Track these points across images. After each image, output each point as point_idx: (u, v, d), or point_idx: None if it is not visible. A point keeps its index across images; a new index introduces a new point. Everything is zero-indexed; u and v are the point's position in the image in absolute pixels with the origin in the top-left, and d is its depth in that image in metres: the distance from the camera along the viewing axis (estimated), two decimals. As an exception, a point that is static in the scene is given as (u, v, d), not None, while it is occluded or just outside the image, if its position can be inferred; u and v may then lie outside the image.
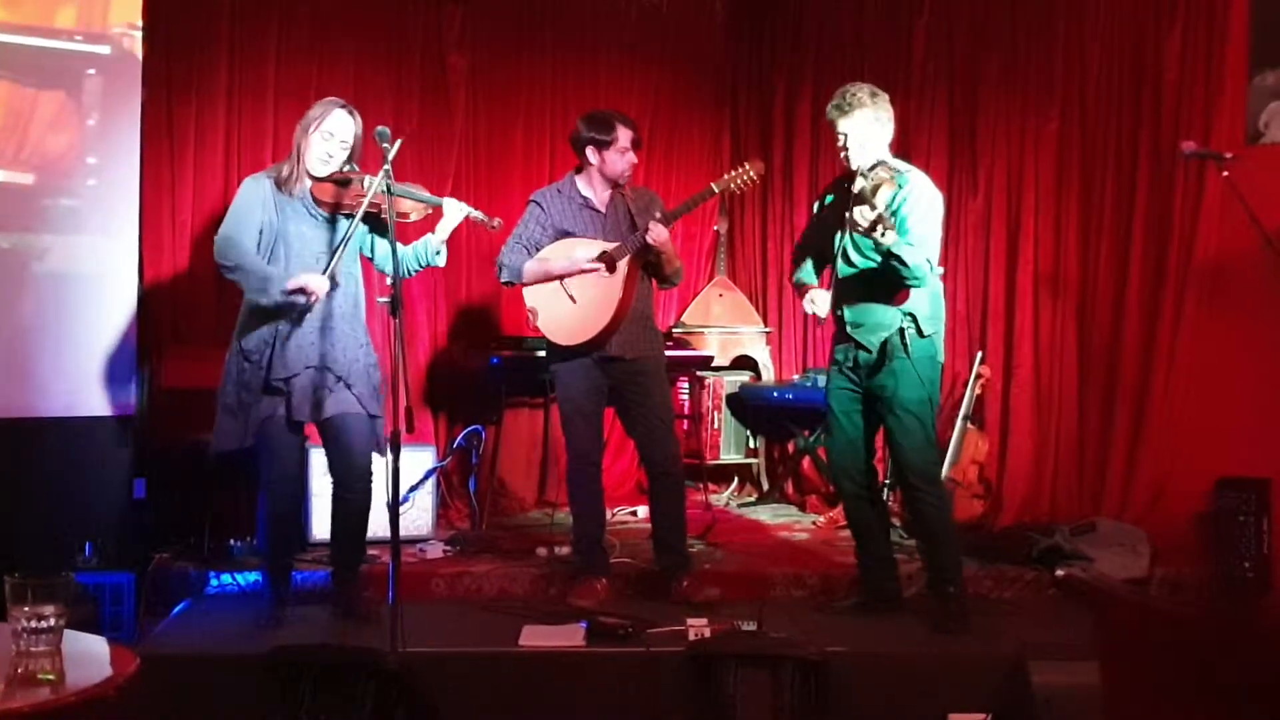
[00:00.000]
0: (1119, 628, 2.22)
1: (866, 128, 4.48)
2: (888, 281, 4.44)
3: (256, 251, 4.34)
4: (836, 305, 4.61)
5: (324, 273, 4.28)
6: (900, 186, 4.33)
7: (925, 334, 4.49)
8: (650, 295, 4.92)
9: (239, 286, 4.40)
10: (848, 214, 4.34)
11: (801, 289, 4.77)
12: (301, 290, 4.23)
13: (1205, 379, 5.62)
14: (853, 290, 4.54)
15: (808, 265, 4.81)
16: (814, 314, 4.63)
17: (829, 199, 4.73)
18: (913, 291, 4.43)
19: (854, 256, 4.51)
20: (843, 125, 4.49)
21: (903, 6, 6.66)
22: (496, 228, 4.54)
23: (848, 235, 4.47)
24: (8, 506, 4.77)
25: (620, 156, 4.77)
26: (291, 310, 4.29)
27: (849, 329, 4.56)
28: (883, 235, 4.17)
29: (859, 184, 4.38)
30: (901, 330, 4.46)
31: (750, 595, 4.93)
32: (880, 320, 4.49)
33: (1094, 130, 5.94)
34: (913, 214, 4.35)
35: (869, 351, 4.51)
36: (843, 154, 4.52)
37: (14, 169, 4.99)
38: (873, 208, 4.18)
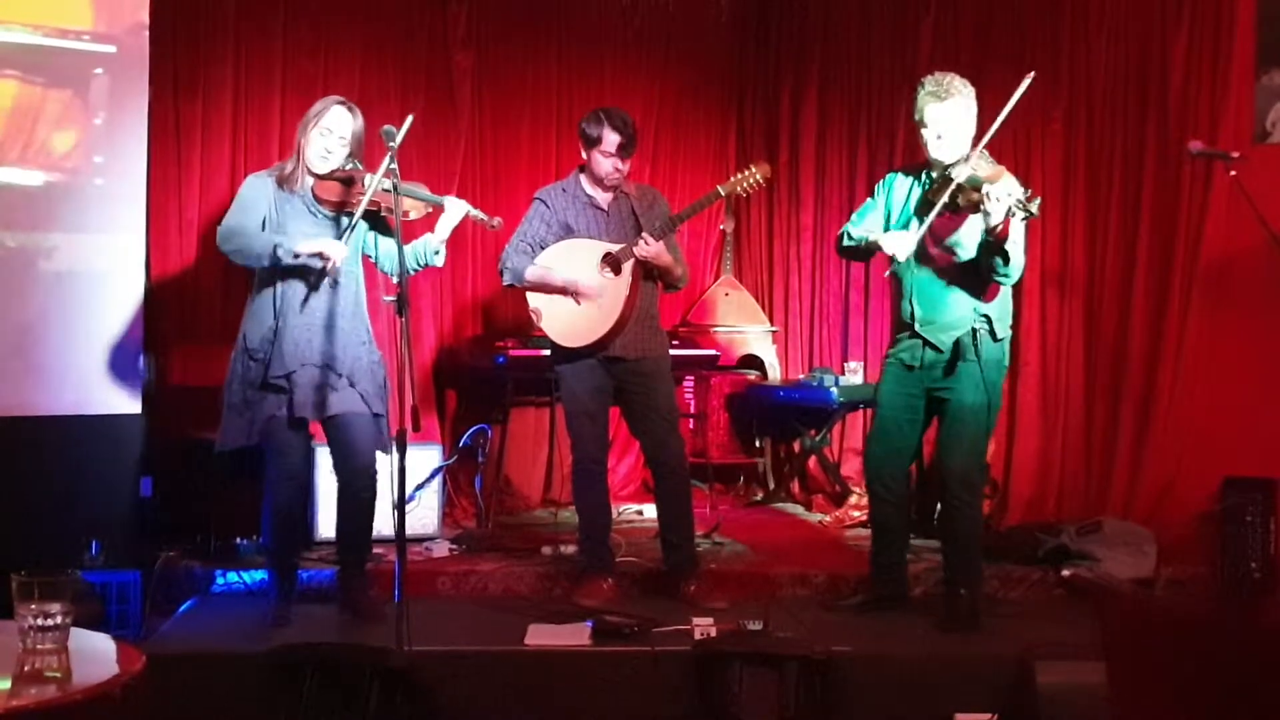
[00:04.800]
0: (1125, 628, 2.22)
1: (962, 116, 4.37)
2: (966, 276, 4.37)
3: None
4: (905, 301, 4.50)
5: (341, 239, 4.32)
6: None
7: (998, 337, 4.42)
8: (655, 295, 4.91)
9: (246, 265, 4.39)
10: (959, 203, 4.20)
11: (861, 245, 4.56)
12: (319, 255, 4.27)
13: (1212, 378, 5.62)
14: (926, 286, 4.44)
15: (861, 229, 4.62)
16: (894, 254, 4.35)
17: (901, 185, 4.57)
18: (989, 291, 4.36)
19: (937, 251, 4.38)
20: (936, 113, 4.35)
21: (909, 6, 6.65)
22: (497, 227, 4.55)
23: (926, 227, 4.32)
24: (14, 504, 4.78)
25: (604, 159, 4.74)
26: (308, 274, 4.31)
27: (919, 326, 4.45)
28: (1023, 220, 4.07)
29: (963, 172, 4.23)
30: (974, 331, 4.38)
31: (756, 594, 4.92)
32: (953, 319, 4.40)
33: (1100, 129, 5.93)
34: (1033, 202, 4.17)
35: (939, 351, 4.43)
36: (934, 144, 4.36)
37: (21, 167, 5.00)
38: (1009, 194, 4.04)
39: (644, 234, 4.68)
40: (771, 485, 7.10)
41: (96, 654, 2.69)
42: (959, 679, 4.13)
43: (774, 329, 7.29)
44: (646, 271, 4.78)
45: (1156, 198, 5.75)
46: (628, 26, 7.21)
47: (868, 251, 4.60)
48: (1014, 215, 4.07)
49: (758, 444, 7.22)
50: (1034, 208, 4.05)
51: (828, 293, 7.11)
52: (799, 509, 6.75)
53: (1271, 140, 5.51)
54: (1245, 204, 4.70)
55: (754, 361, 7.22)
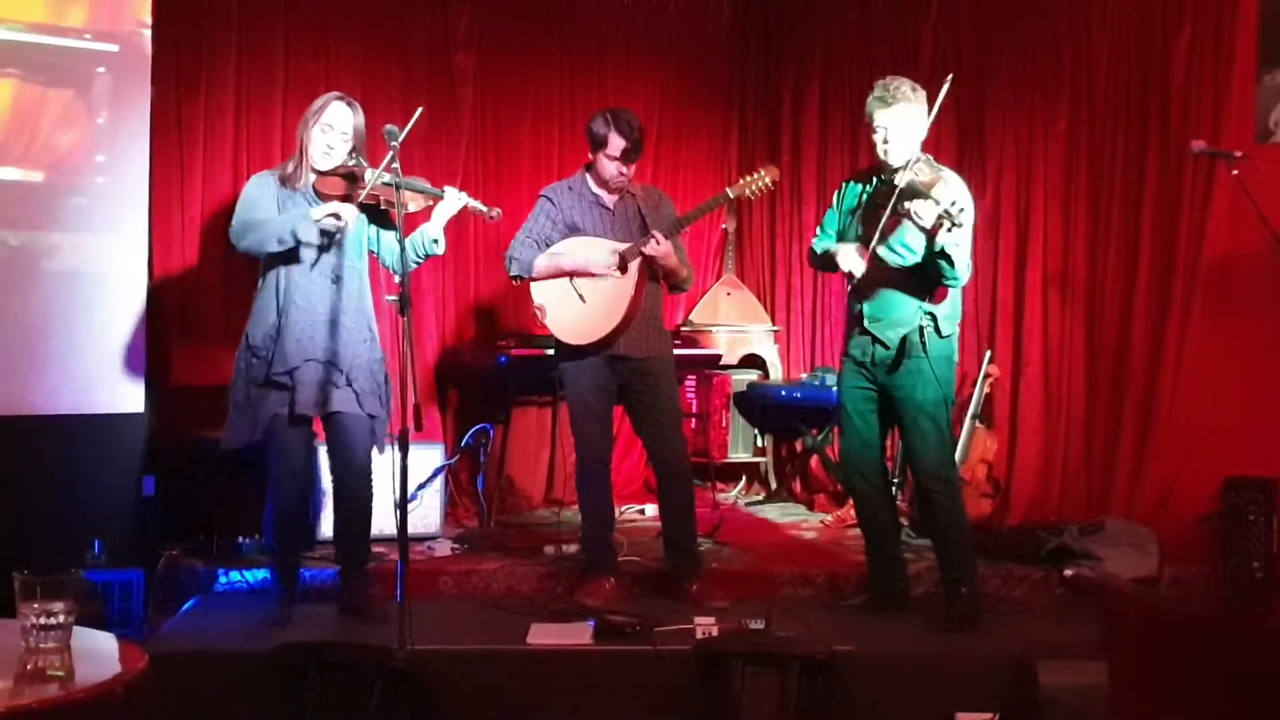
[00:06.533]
0: (1127, 627, 2.22)
1: (908, 122, 4.40)
2: (914, 278, 4.42)
3: None
4: (855, 298, 4.56)
5: (355, 201, 4.34)
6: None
7: (944, 334, 4.47)
8: (659, 295, 4.92)
9: (264, 255, 4.38)
10: (898, 208, 4.25)
11: (824, 256, 4.62)
12: (334, 215, 4.28)
13: (1214, 378, 5.61)
14: (874, 284, 4.48)
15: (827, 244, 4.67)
16: (850, 271, 4.43)
17: (852, 191, 4.65)
18: (937, 293, 4.41)
19: (885, 253, 4.43)
20: (883, 118, 4.41)
21: (909, 7, 6.65)
22: (495, 218, 4.54)
23: (879, 230, 4.36)
24: (17, 503, 4.79)
25: (609, 162, 4.74)
26: (325, 236, 4.32)
27: (867, 323, 4.51)
28: (949, 231, 4.12)
29: (904, 178, 4.29)
30: (921, 328, 4.43)
31: (758, 594, 4.92)
32: (900, 316, 4.46)
33: (1102, 129, 5.92)
34: (962, 214, 4.24)
35: (886, 347, 4.47)
36: (881, 147, 4.43)
37: (23, 167, 5.01)
38: (936, 203, 4.12)
39: (654, 232, 4.68)
40: (773, 485, 7.10)
41: (99, 653, 2.69)
42: (960, 678, 4.13)
43: (776, 328, 7.30)
44: (651, 272, 4.78)
45: (1158, 198, 5.74)
46: (629, 27, 7.21)
47: (829, 263, 4.64)
48: (942, 225, 4.13)
49: (760, 443, 7.22)
50: (960, 219, 4.10)
51: (829, 292, 7.10)
52: (801, 508, 6.75)
53: (1274, 140, 5.49)
54: (1248, 204, 4.69)
55: (756, 361, 7.22)
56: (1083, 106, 5.97)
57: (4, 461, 4.83)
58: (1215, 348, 5.61)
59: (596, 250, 4.76)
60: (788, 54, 7.37)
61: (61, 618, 2.51)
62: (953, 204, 4.13)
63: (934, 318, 4.45)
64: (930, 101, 4.43)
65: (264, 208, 4.39)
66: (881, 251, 4.44)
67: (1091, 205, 5.95)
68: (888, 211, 4.30)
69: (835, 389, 6.28)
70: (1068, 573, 5.09)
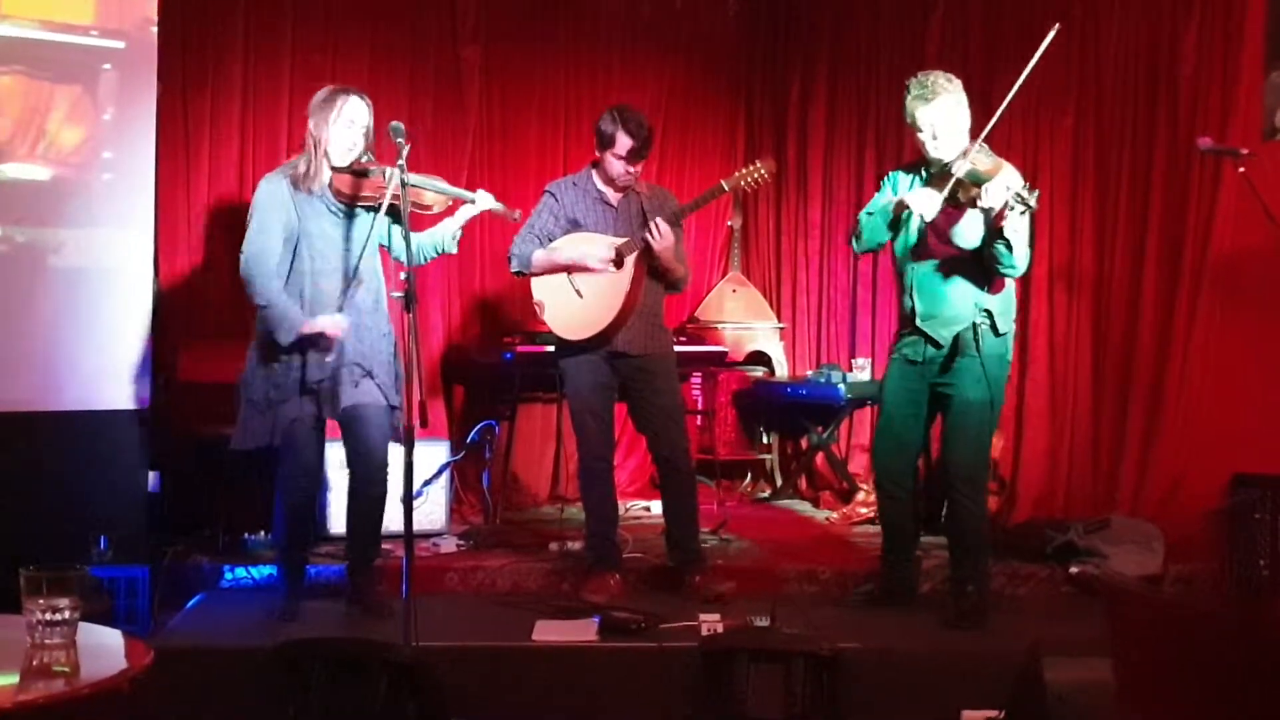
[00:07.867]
0: (1132, 625, 2.21)
1: (954, 112, 4.35)
2: (967, 271, 4.36)
3: (280, 252, 4.33)
4: (906, 296, 4.49)
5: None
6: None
7: (1000, 331, 4.41)
8: (660, 292, 4.90)
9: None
10: (959, 197, 4.20)
11: (886, 212, 4.42)
12: (320, 334, 4.27)
13: (1220, 375, 5.61)
14: (926, 281, 4.43)
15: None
16: (921, 212, 4.26)
17: (901, 182, 4.54)
18: (994, 284, 4.36)
19: (938, 245, 4.37)
20: (927, 114, 4.32)
21: (917, 1, 6.64)
22: (516, 219, 4.58)
23: (927, 221, 4.31)
24: (23, 499, 4.78)
25: (616, 161, 4.73)
26: (310, 344, 4.31)
27: (919, 321, 4.44)
28: (1021, 214, 4.07)
29: (962, 166, 4.21)
30: (975, 325, 4.37)
31: (763, 591, 4.92)
32: (954, 314, 4.40)
33: (1109, 126, 5.92)
34: (1034, 195, 4.15)
35: (939, 346, 4.43)
36: (931, 144, 4.34)
37: (30, 163, 5.00)
38: (1007, 187, 4.05)
39: (656, 220, 4.65)
40: (779, 482, 7.10)
41: (105, 649, 2.70)
42: (966, 676, 4.12)
43: (781, 325, 7.29)
44: (650, 268, 4.77)
45: (1165, 194, 5.73)
46: (636, 21, 7.22)
47: (885, 228, 4.46)
48: (1012, 209, 4.07)
49: (765, 441, 7.22)
50: (1033, 201, 4.05)
51: (835, 289, 7.11)
52: (806, 506, 6.75)
53: (1280, 137, 5.50)
54: (1254, 201, 4.69)
55: (761, 358, 7.21)
56: (1090, 102, 5.97)
57: (10, 458, 4.83)
58: (1222, 344, 5.61)
59: (594, 245, 4.76)
60: (794, 49, 7.36)
61: (67, 614, 2.52)
62: (1024, 185, 4.06)
63: (990, 314, 4.38)
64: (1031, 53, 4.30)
65: (276, 227, 4.32)
66: (934, 244, 4.39)
67: (1098, 201, 5.95)
68: (939, 201, 4.25)
69: (840, 386, 6.35)
70: (1073, 570, 5.09)
